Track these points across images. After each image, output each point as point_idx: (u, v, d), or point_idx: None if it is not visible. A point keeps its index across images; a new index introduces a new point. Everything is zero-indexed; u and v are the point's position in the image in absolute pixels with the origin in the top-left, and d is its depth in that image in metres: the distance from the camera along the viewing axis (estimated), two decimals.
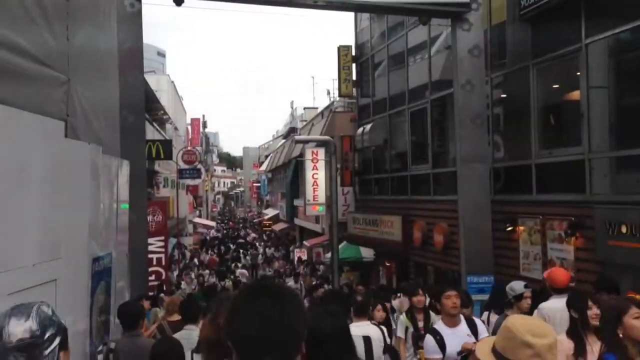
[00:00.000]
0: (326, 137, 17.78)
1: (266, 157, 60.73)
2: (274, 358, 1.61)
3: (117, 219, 6.37)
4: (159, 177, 27.27)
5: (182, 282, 20.69)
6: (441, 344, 4.74)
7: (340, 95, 18.34)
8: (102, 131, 6.16)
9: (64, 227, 4.75)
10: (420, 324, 6.25)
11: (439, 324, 4.99)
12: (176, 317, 7.28)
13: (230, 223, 63.57)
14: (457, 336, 4.80)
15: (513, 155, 10.29)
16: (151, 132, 24.78)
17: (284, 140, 47.98)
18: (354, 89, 17.38)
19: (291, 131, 46.52)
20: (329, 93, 30.42)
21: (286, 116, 65.20)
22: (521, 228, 9.46)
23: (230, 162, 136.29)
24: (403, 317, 6.46)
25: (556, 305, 4.94)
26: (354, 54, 17.21)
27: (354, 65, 17.29)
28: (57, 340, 2.11)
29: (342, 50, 17.05)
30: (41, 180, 4.23)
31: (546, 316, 4.97)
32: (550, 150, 9.04)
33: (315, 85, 56.22)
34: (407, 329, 6.29)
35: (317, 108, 38.52)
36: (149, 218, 19.70)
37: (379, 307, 6.92)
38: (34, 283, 4.18)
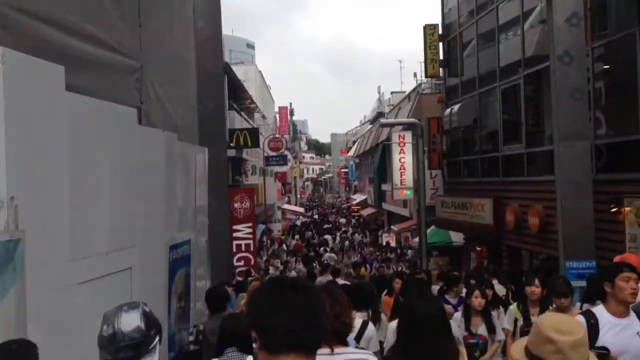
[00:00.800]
0: (412, 120, 17.28)
1: (354, 142, 60.50)
2: (300, 351, 1.64)
3: (195, 206, 6.32)
4: (247, 165, 27.68)
5: (270, 268, 20.88)
6: (594, 332, 3.55)
7: (427, 76, 17.70)
8: (178, 118, 6.09)
9: (138, 214, 4.69)
10: (534, 319, 5.54)
11: (600, 310, 3.75)
12: None
13: (319, 209, 63.93)
14: (625, 332, 3.61)
15: (618, 131, 9.40)
16: (239, 121, 25.13)
17: (371, 126, 47.51)
18: (441, 69, 16.69)
19: (378, 116, 45.96)
20: (415, 75, 29.62)
21: (373, 102, 64.69)
22: (628, 209, 8.63)
23: (319, 148, 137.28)
24: (513, 307, 6.00)
25: None
26: (440, 32, 16.50)
27: (440, 44, 16.58)
28: (157, 337, 2.32)
29: (429, 29, 16.39)
30: (115, 168, 4.18)
31: None
32: None
33: (402, 69, 54.97)
34: (516, 320, 5.80)
35: (404, 92, 37.70)
36: (237, 205, 20.08)
37: (477, 292, 5.83)
38: (108, 271, 4.15)
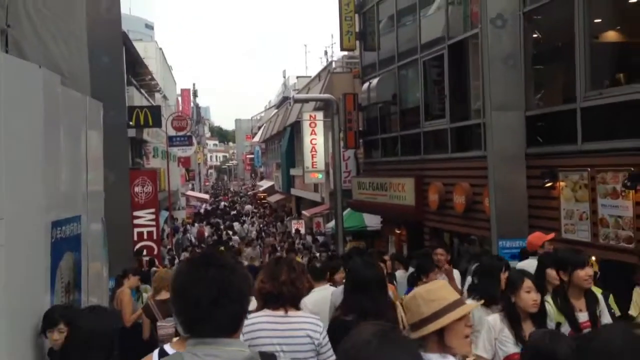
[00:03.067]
0: (327, 95, 16.51)
1: (259, 128, 59.18)
2: (216, 337, 1.71)
3: (87, 176, 5.05)
4: (148, 147, 25.86)
5: (177, 259, 19.44)
6: None
7: (342, 49, 16.87)
8: (62, 60, 4.79)
9: (4, 175, 3.47)
10: (583, 317, 3.88)
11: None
12: (165, 295, 6.06)
13: (222, 197, 62.05)
14: None
15: (552, 100, 8.99)
16: (139, 99, 23.34)
17: (276, 110, 46.48)
18: (357, 42, 15.92)
19: (284, 100, 44.92)
20: (326, 53, 28.89)
21: (278, 87, 63.55)
22: (562, 183, 8.20)
23: (223, 135, 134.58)
24: (549, 303, 3.93)
25: (526, 266, 5.27)
26: (356, 2, 15.72)
27: (356, 16, 15.80)
28: None
29: (344, 0, 15.56)
30: None
31: None
32: (601, 90, 7.73)
33: (307, 54, 54.17)
34: (558, 325, 3.83)
35: (310, 77, 36.92)
36: (138, 189, 18.42)
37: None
38: None
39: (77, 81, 5.07)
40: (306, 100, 20.25)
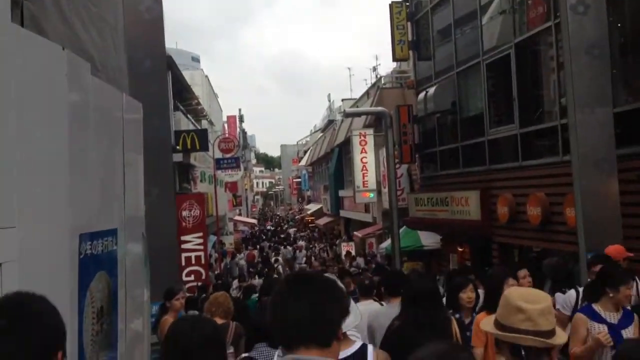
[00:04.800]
0: (380, 108, 15.61)
1: (305, 152, 58.81)
2: (308, 346, 1.69)
3: (124, 183, 4.34)
4: (195, 172, 25.52)
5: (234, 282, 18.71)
6: None
7: (394, 60, 16.14)
8: (94, 47, 4.12)
9: (18, 175, 2.78)
10: None
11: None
12: (218, 321, 5.29)
13: (266, 221, 61.53)
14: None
15: None
16: (186, 124, 23.10)
17: (323, 133, 45.98)
18: (410, 52, 15.12)
19: (329, 124, 44.51)
20: (374, 69, 28.16)
21: (323, 111, 63.26)
22: None
23: (268, 162, 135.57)
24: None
25: None
26: (408, 10, 14.96)
27: (409, 24, 15.02)
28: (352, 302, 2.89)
29: (395, 7, 14.82)
30: None
31: None
32: None
33: (351, 77, 53.83)
34: None
35: (355, 99, 36.32)
36: (185, 213, 17.97)
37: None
38: None
39: (113, 76, 4.40)
40: (358, 115, 19.47)
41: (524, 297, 2.39)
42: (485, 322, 2.59)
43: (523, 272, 5.99)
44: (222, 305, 5.49)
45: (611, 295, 4.15)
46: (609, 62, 7.80)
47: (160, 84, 6.42)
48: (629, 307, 4.34)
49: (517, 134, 10.51)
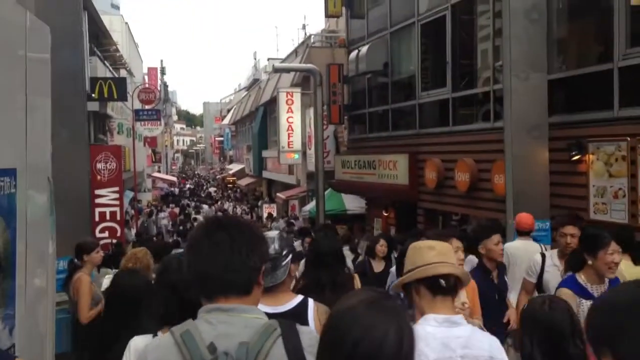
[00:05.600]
0: (310, 65, 15.17)
1: (228, 111, 57.44)
2: (227, 295, 1.66)
3: (26, 118, 3.73)
4: (112, 123, 24.20)
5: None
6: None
7: (327, 16, 15.64)
8: None
9: None
10: None
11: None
12: None
13: (181, 179, 59.86)
14: None
15: (581, 61, 7.92)
16: (103, 71, 21.69)
17: (247, 91, 44.96)
18: (343, 8, 14.68)
19: (254, 82, 43.54)
20: (304, 27, 27.53)
21: (248, 70, 61.81)
22: (592, 156, 7.16)
23: (190, 120, 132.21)
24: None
25: (519, 245, 5.74)
26: None
27: None
28: (289, 257, 2.90)
29: None
30: None
31: (509, 254, 5.47)
32: None
33: (278, 37, 52.42)
34: None
35: (281, 59, 35.58)
36: (100, 165, 16.99)
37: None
38: None
39: None
40: (287, 71, 18.96)
41: (428, 242, 2.52)
42: (396, 283, 2.60)
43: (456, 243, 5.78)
44: (141, 261, 5.01)
45: (589, 262, 3.63)
46: (545, 28, 7.73)
47: (72, 9, 5.69)
48: (615, 276, 3.68)
49: (448, 98, 10.39)
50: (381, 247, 6.98)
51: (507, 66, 7.64)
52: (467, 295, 3.68)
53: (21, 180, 3.48)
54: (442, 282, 2.34)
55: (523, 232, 5.91)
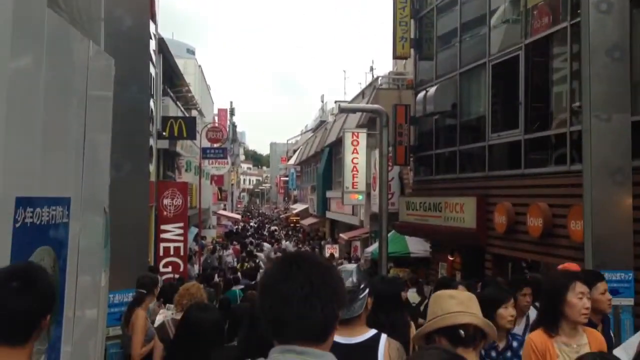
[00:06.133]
0: (376, 106, 15.02)
1: (294, 151, 58.14)
2: (302, 341, 1.55)
3: (83, 145, 3.68)
4: (181, 160, 24.80)
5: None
6: None
7: (395, 57, 15.56)
8: None
9: None
10: None
11: None
12: None
13: (245, 217, 60.33)
14: None
15: None
16: (174, 111, 22.40)
17: (313, 133, 45.39)
18: (412, 50, 14.55)
19: (321, 124, 43.92)
20: (372, 69, 27.56)
21: (315, 111, 62.59)
22: None
23: (257, 159, 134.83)
24: None
25: None
26: (412, 7, 14.38)
27: (412, 21, 14.45)
28: (367, 290, 2.96)
29: (399, 2, 14.24)
30: None
31: None
32: None
33: (346, 80, 53.20)
34: None
35: (348, 101, 35.80)
36: (167, 202, 17.37)
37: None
38: None
39: (80, 19, 3.74)
40: (353, 111, 18.89)
41: (450, 291, 2.56)
42: (416, 334, 2.58)
43: (526, 290, 5.40)
44: (194, 296, 4.85)
45: None
46: (629, 66, 7.27)
47: (142, 47, 5.75)
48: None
49: (520, 140, 9.95)
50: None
51: (587, 106, 7.18)
52: None
53: (75, 210, 3.40)
54: (461, 332, 2.29)
55: None
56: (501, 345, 3.54)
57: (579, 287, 3.16)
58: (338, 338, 2.90)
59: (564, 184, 8.65)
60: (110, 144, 4.24)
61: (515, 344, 3.57)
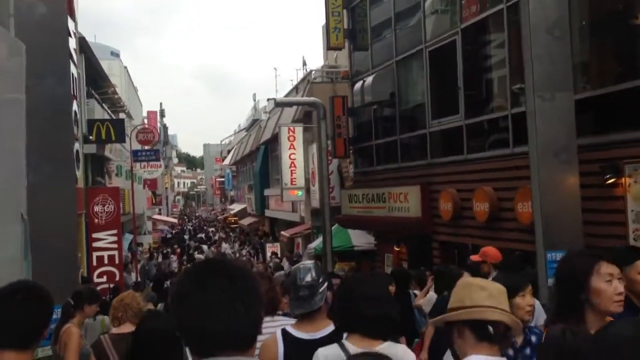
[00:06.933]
0: (313, 99, 14.74)
1: (229, 152, 57.17)
2: (224, 352, 1.46)
3: None
4: (111, 165, 23.71)
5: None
6: None
7: (329, 48, 15.29)
8: None
9: None
10: None
11: None
12: (128, 327, 4.20)
13: (180, 221, 58.71)
14: None
15: (610, 78, 7.39)
16: (100, 114, 21.34)
17: (247, 132, 44.73)
18: (345, 40, 14.29)
19: (254, 123, 43.32)
20: (305, 64, 27.31)
21: (248, 110, 61.79)
22: (630, 179, 6.57)
23: (190, 162, 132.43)
24: None
25: None
26: None
27: (344, 11, 14.19)
28: (326, 284, 3.08)
29: None
30: None
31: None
32: None
33: (277, 77, 52.60)
34: None
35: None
36: (98, 208, 16.48)
37: None
38: None
39: None
40: (289, 105, 18.50)
41: (481, 280, 2.34)
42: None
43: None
44: (130, 307, 4.35)
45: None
46: (569, 45, 7.22)
47: (59, 36, 5.16)
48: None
49: (462, 125, 9.86)
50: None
51: (530, 86, 7.07)
52: None
53: None
54: (491, 329, 2.11)
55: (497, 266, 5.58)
56: (519, 341, 3.12)
57: (606, 267, 2.55)
58: (301, 334, 3.03)
59: (508, 167, 8.59)
60: (23, 148, 3.70)
61: (534, 338, 3.16)
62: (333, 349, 2.74)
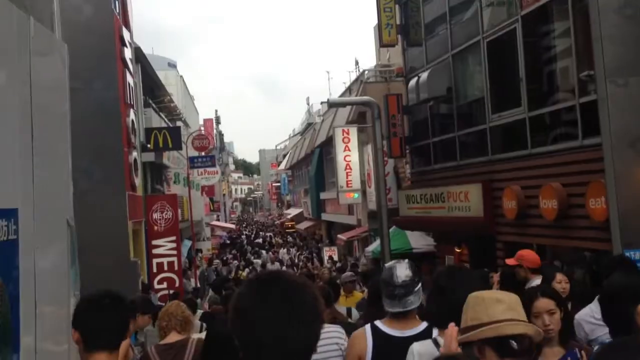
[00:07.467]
0: (367, 98, 14.39)
1: (284, 156, 57.51)
2: (294, 338, 1.50)
3: (31, 142, 3.02)
4: (169, 173, 24.05)
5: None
6: None
7: (382, 46, 14.96)
8: None
9: None
10: None
11: None
12: (175, 337, 4.01)
13: (236, 227, 59.14)
14: None
15: None
16: (158, 123, 21.68)
17: (302, 136, 44.78)
18: (398, 36, 13.94)
19: (308, 127, 43.34)
20: (357, 64, 26.98)
21: (302, 115, 62.04)
22: None
23: (247, 168, 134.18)
24: None
25: None
26: None
27: (397, 7, 13.85)
28: (420, 283, 3.06)
29: None
30: None
31: None
32: None
33: (330, 80, 52.66)
34: None
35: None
36: (157, 215, 16.65)
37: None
38: None
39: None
40: (342, 105, 18.20)
41: (495, 294, 2.25)
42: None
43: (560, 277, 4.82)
44: (174, 315, 4.19)
45: None
46: None
47: (105, 39, 5.08)
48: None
49: (525, 118, 9.34)
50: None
51: (601, 71, 6.60)
52: None
53: (25, 224, 2.74)
54: (514, 344, 2.00)
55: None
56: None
57: None
58: (393, 331, 3.06)
59: (577, 161, 8.05)
60: (69, 145, 3.56)
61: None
62: (427, 345, 2.74)
